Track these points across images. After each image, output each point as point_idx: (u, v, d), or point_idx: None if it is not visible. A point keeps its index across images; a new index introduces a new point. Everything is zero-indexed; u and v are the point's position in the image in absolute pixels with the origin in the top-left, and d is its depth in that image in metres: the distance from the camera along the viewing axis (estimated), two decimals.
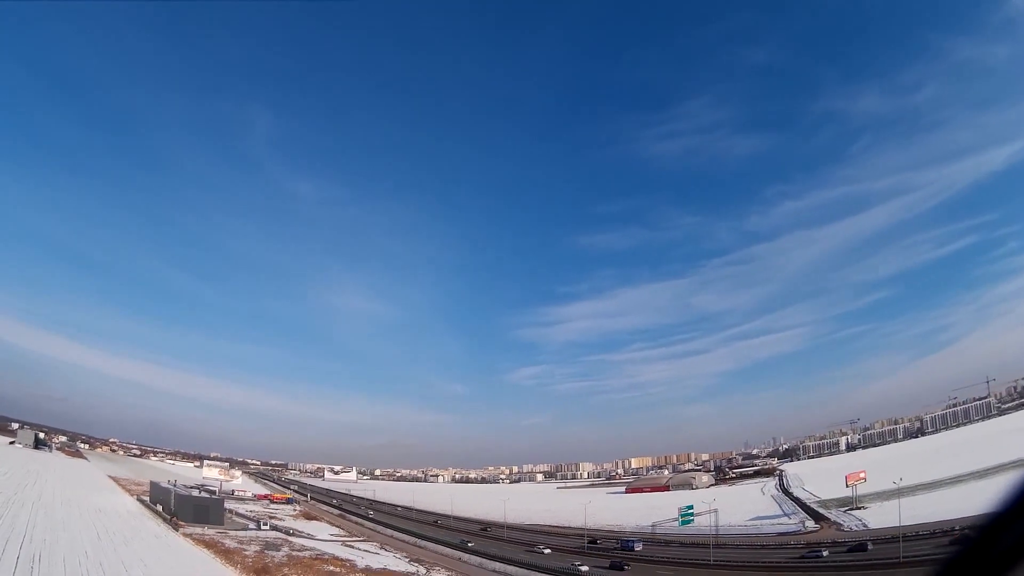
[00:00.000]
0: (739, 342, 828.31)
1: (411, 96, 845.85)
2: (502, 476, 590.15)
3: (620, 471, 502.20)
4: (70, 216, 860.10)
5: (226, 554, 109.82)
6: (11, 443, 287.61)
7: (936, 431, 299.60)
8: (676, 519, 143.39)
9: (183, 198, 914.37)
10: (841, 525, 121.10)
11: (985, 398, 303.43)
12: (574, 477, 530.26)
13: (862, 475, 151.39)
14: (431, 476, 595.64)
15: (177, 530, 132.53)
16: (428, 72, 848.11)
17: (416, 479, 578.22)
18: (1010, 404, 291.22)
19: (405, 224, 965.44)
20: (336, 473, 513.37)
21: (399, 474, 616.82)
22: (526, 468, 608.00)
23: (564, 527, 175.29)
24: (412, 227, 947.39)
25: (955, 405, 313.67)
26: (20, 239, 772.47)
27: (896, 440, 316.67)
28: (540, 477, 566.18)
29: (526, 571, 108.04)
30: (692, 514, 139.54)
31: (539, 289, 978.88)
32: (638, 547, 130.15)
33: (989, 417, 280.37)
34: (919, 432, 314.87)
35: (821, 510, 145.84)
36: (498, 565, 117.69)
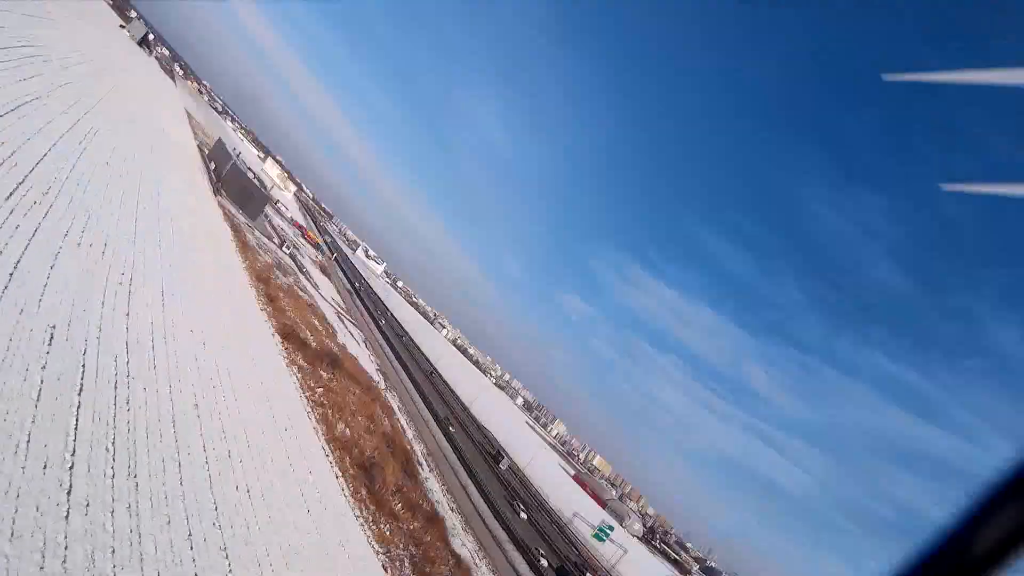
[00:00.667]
0: (754, 437, 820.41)
1: None
2: (492, 372, 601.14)
3: (582, 456, 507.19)
4: None
5: (243, 245, 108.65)
6: (121, 26, 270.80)
7: None
8: (592, 527, 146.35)
9: None
10: None
11: None
12: (545, 426, 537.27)
13: None
14: (439, 322, 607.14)
15: (216, 194, 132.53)
16: None
17: (425, 315, 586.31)
18: None
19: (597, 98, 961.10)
20: (368, 256, 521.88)
21: (415, 300, 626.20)
22: (515, 384, 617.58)
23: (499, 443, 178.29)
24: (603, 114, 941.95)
25: None
26: None
27: None
28: (520, 401, 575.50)
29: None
30: (607, 534, 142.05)
31: (637, 243, 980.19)
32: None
33: None
34: None
35: None
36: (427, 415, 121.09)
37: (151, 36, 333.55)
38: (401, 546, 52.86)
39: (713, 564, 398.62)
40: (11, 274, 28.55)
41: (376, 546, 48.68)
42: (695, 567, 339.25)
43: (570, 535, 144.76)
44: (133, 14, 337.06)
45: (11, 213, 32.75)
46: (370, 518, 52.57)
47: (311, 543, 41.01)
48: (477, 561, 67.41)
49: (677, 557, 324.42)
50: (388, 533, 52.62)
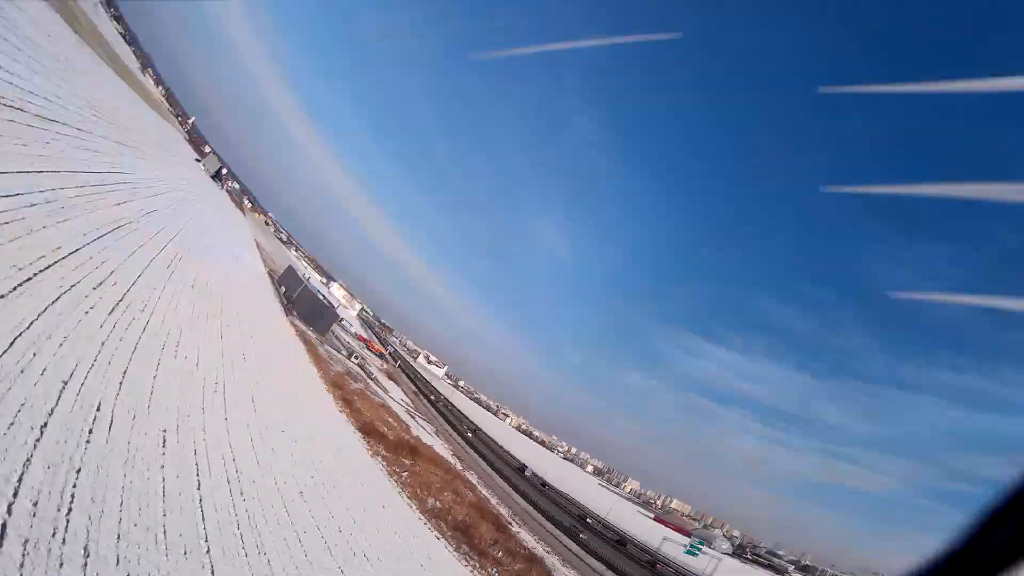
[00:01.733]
0: (829, 459, 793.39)
1: None
2: (559, 449, 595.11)
3: (659, 503, 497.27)
4: None
5: (316, 357, 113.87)
6: (196, 160, 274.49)
7: None
8: (683, 546, 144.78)
9: None
10: None
11: None
12: (618, 485, 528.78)
13: None
14: (502, 413, 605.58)
15: (288, 315, 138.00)
16: None
17: (488, 408, 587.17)
18: None
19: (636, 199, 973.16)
20: (428, 362, 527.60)
21: (476, 395, 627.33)
22: (582, 454, 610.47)
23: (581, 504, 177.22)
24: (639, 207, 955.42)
25: None
26: None
27: None
28: (590, 468, 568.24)
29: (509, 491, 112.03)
30: (699, 549, 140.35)
31: (695, 316, 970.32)
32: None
33: None
34: None
35: None
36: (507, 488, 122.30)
37: (223, 170, 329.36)
38: None
39: (808, 563, 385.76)
40: (120, 383, 31.91)
41: None
42: (790, 567, 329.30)
43: (662, 557, 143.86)
44: (207, 149, 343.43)
45: (114, 327, 36.31)
46: (477, 566, 54.82)
47: None
48: None
49: (770, 562, 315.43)
50: None
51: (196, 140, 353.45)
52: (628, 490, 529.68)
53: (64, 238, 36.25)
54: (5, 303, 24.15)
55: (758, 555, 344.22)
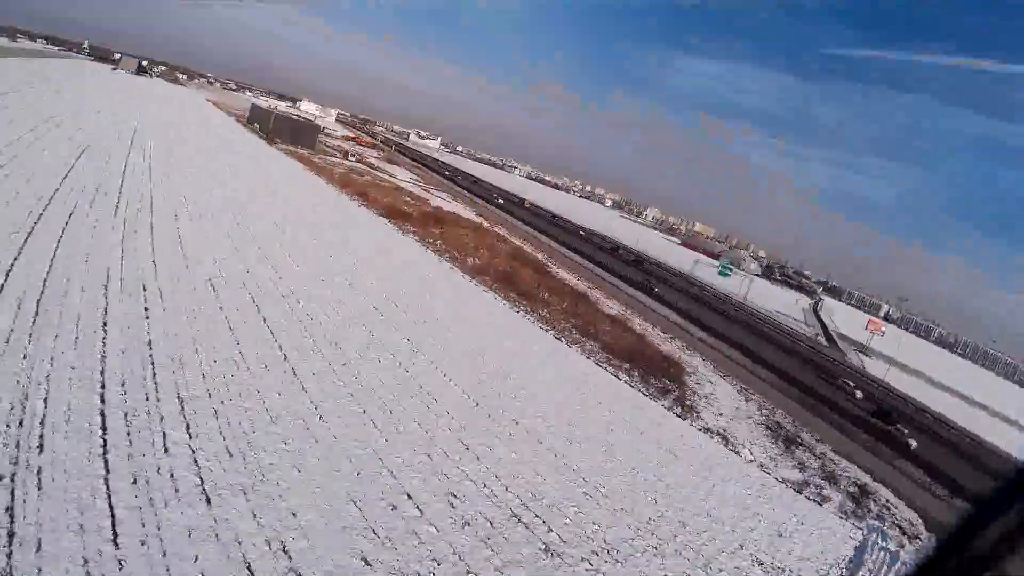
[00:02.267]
0: (837, 168, 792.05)
1: None
2: (574, 188, 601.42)
3: (683, 228, 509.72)
4: None
5: (316, 168, 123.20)
6: (113, 69, 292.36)
7: (964, 356, 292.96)
8: (715, 266, 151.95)
9: None
10: (844, 357, 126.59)
11: (1019, 363, 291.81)
12: (639, 215, 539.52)
13: (883, 328, 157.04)
14: (509, 165, 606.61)
15: (272, 144, 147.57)
16: None
17: (493, 164, 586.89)
18: None
19: None
20: (421, 138, 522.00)
21: (479, 155, 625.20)
22: (598, 190, 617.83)
23: (618, 242, 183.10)
24: None
25: (996, 350, 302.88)
26: None
27: (928, 339, 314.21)
28: (608, 203, 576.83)
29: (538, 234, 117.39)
30: (730, 270, 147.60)
31: (676, 26, 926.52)
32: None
33: (1012, 380, 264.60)
34: (951, 347, 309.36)
35: (835, 338, 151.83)
36: (536, 234, 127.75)
37: (144, 63, 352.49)
38: (563, 320, 59.79)
39: (835, 283, 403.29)
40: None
41: (542, 327, 55.31)
42: (819, 288, 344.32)
43: (697, 280, 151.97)
44: (117, 55, 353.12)
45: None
46: (528, 308, 59.54)
47: (492, 336, 47.99)
48: (628, 315, 74.15)
49: (800, 283, 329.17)
50: (547, 315, 59.46)
51: (103, 55, 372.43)
52: (651, 219, 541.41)
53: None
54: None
55: (787, 276, 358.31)
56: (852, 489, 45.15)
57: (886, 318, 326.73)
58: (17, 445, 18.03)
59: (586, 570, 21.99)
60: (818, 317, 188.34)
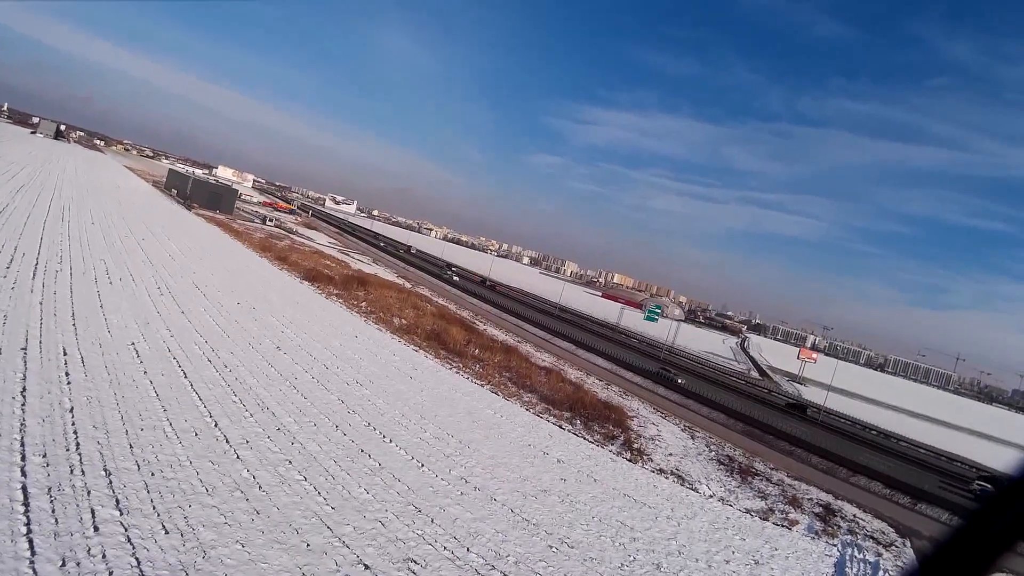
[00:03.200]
0: (754, 207, 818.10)
1: None
2: (491, 248, 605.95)
3: (601, 280, 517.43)
4: None
5: (235, 233, 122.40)
6: (32, 133, 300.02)
7: (895, 373, 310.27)
8: (642, 312, 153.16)
9: None
10: (780, 387, 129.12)
11: (949, 372, 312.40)
12: (557, 271, 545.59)
13: (814, 356, 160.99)
14: (424, 228, 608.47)
15: (190, 210, 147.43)
16: None
17: (410, 227, 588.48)
18: (968, 391, 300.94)
19: None
20: (337, 203, 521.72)
21: (395, 220, 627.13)
22: (515, 249, 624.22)
23: (540, 297, 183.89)
24: None
25: (920, 362, 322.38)
26: None
27: (857, 363, 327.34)
28: (526, 260, 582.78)
29: (463, 294, 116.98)
30: (658, 314, 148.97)
31: (581, 86, 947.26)
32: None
33: (945, 389, 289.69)
34: (880, 367, 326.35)
35: (767, 371, 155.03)
36: (458, 293, 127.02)
37: (62, 127, 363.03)
38: (496, 374, 58.98)
39: (758, 321, 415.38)
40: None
41: (478, 381, 54.28)
42: (743, 327, 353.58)
43: (623, 328, 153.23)
44: (36, 120, 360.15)
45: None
46: (461, 365, 58.52)
47: (429, 397, 46.63)
48: (561, 366, 73.78)
49: (723, 324, 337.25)
50: (480, 370, 58.45)
51: (20, 119, 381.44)
52: (569, 273, 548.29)
53: None
54: None
55: (710, 319, 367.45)
56: (817, 510, 45.45)
57: (813, 348, 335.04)
58: None
59: None
60: (747, 353, 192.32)
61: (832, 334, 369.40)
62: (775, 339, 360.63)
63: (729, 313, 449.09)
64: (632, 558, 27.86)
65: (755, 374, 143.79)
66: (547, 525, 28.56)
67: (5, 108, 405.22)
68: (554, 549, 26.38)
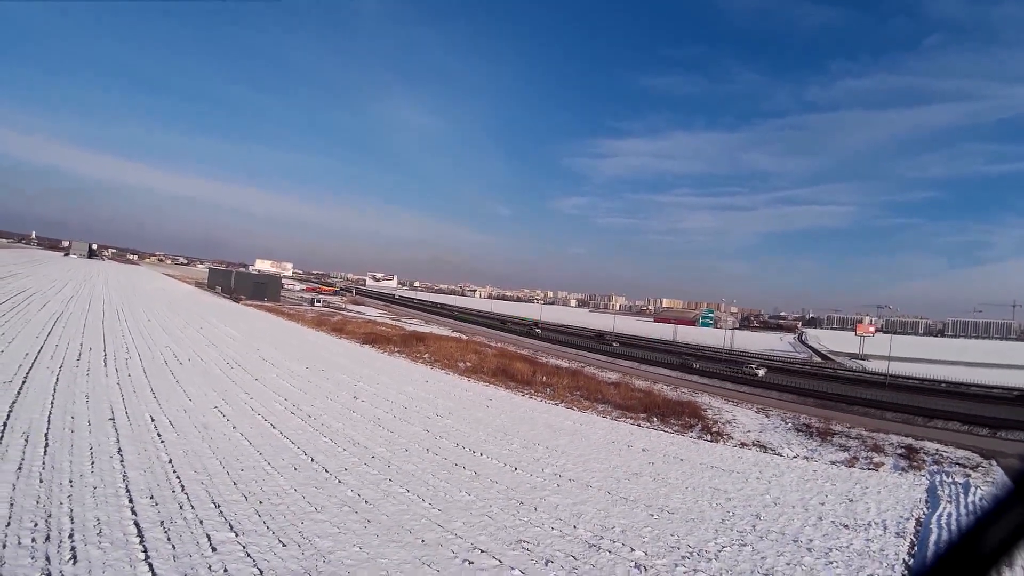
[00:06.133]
0: (784, 206, 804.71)
1: None
2: (537, 298, 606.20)
3: (651, 308, 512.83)
4: (121, 35, 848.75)
5: (288, 316, 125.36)
6: (65, 255, 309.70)
7: (955, 336, 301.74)
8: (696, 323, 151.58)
9: (242, 13, 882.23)
10: (843, 365, 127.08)
11: (1009, 321, 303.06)
12: (606, 307, 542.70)
13: (871, 329, 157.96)
14: (468, 291, 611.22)
15: (238, 302, 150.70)
16: None
17: (454, 292, 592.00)
18: None
19: (465, 44, 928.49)
20: (377, 280, 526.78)
21: (437, 287, 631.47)
22: (560, 295, 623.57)
23: (592, 329, 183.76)
24: (471, 47, 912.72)
25: (978, 318, 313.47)
26: (73, 64, 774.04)
27: (916, 334, 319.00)
28: (573, 303, 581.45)
29: (519, 337, 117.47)
30: (711, 318, 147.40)
31: (593, 121, 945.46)
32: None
33: (1008, 339, 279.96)
34: (939, 332, 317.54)
35: (828, 355, 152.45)
36: (514, 337, 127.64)
37: (94, 246, 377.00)
38: (567, 393, 59.63)
39: (812, 315, 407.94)
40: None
41: (551, 402, 54.91)
42: (798, 324, 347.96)
43: (680, 342, 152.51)
44: (66, 243, 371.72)
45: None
46: (532, 391, 59.21)
47: (508, 419, 47.40)
48: (628, 380, 73.98)
49: (779, 324, 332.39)
50: (551, 393, 59.13)
51: (50, 244, 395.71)
52: (618, 307, 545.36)
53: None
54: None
55: (764, 322, 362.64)
56: (900, 451, 44.86)
57: (874, 331, 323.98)
58: (47, 558, 17.08)
59: (683, 572, 21.21)
60: (805, 344, 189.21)
61: (886, 312, 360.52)
62: (832, 328, 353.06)
63: (782, 314, 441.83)
64: (732, 513, 27.97)
65: (817, 359, 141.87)
66: (645, 499, 28.84)
67: (34, 236, 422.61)
68: (655, 517, 26.63)
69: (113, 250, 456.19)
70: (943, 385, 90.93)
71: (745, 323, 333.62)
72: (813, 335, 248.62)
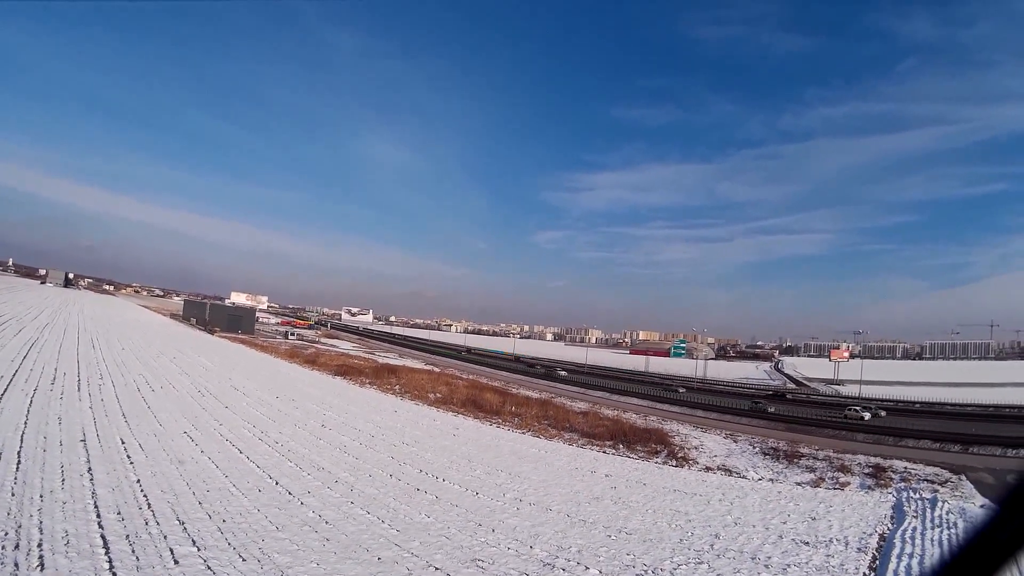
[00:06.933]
0: (761, 236, 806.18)
1: None
2: (514, 332, 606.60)
3: (627, 340, 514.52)
4: (101, 67, 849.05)
5: (261, 347, 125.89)
6: (41, 283, 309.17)
7: (933, 358, 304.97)
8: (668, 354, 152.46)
9: (217, 47, 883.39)
10: (816, 391, 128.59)
11: (987, 341, 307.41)
12: (582, 340, 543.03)
13: (845, 354, 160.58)
14: (444, 326, 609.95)
15: (212, 334, 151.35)
16: None
17: (429, 326, 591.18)
18: (1010, 353, 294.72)
19: (440, 78, 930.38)
20: (353, 315, 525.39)
21: (413, 322, 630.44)
22: (537, 328, 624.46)
23: (565, 361, 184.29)
24: (447, 82, 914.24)
25: (956, 340, 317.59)
26: (51, 93, 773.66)
27: (894, 358, 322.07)
28: (550, 336, 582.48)
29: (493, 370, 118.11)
30: (683, 348, 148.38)
31: (568, 155, 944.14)
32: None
33: (986, 358, 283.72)
34: (917, 356, 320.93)
35: (804, 382, 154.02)
36: (487, 370, 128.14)
37: (70, 275, 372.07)
38: (535, 422, 60.22)
39: (789, 343, 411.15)
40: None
41: (518, 431, 55.52)
42: (775, 352, 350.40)
43: (653, 373, 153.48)
44: (42, 271, 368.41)
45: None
46: (500, 421, 59.83)
47: (473, 447, 47.83)
48: (597, 409, 74.75)
49: (755, 353, 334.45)
50: (519, 422, 59.68)
51: (27, 272, 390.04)
52: (594, 340, 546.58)
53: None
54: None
55: (741, 352, 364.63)
56: (867, 471, 45.86)
57: (851, 356, 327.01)
58: (16, 564, 17.43)
59: None
60: (781, 372, 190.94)
61: (863, 337, 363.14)
62: (809, 356, 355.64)
63: (759, 343, 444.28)
64: (690, 534, 28.58)
65: (791, 386, 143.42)
66: (604, 522, 29.37)
67: (11, 263, 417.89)
68: (613, 538, 27.16)
69: (89, 280, 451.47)
70: (916, 406, 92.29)
71: (722, 353, 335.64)
72: (790, 363, 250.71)
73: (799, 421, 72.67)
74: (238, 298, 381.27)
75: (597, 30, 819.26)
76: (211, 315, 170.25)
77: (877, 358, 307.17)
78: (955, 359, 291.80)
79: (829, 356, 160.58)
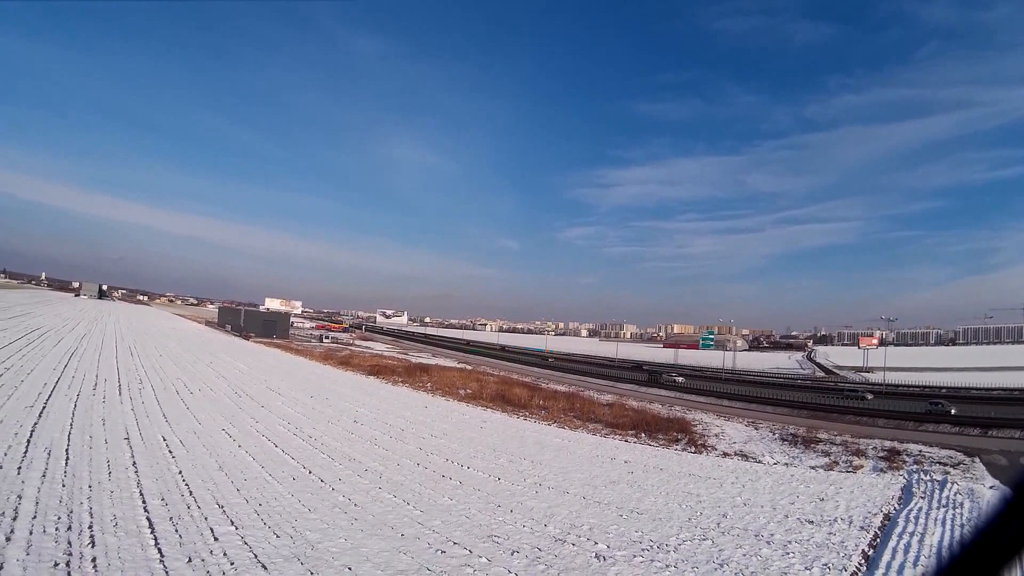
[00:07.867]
0: (789, 226, 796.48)
1: None
2: (548, 329, 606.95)
3: (662, 334, 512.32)
4: (126, 79, 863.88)
5: (296, 351, 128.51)
6: (75, 295, 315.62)
7: (967, 343, 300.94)
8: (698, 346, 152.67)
9: (241, 56, 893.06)
10: (846, 378, 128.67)
11: (1020, 325, 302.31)
12: (617, 336, 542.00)
13: (874, 341, 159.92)
14: (479, 325, 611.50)
15: (247, 339, 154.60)
16: None
17: (464, 327, 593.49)
18: None
19: (464, 80, 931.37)
20: (388, 317, 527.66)
21: (448, 322, 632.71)
22: (571, 325, 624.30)
23: (601, 357, 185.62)
24: (469, 83, 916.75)
25: (989, 325, 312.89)
26: (77, 106, 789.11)
27: (928, 344, 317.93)
28: (584, 333, 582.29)
29: (530, 367, 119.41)
30: (711, 338, 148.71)
31: (594, 151, 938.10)
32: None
33: (1019, 342, 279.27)
34: (951, 341, 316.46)
35: (834, 370, 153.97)
36: (518, 367, 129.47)
37: (104, 287, 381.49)
38: (562, 415, 61.89)
39: (823, 333, 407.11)
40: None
41: (544, 422, 57.21)
42: (809, 342, 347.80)
43: (684, 364, 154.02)
44: (76, 284, 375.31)
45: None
46: (527, 414, 61.56)
47: (499, 438, 49.74)
48: (623, 401, 76.20)
49: (789, 343, 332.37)
50: (545, 414, 61.44)
51: (61, 285, 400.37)
52: (628, 335, 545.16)
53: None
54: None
55: (775, 342, 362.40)
56: (881, 454, 46.89)
57: (881, 343, 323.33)
58: (69, 542, 19.62)
59: (640, 562, 23.28)
60: (813, 361, 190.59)
61: (897, 324, 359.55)
62: (843, 344, 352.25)
63: (794, 333, 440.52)
64: (699, 513, 30.08)
65: (821, 374, 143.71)
66: (617, 503, 31.02)
67: (44, 277, 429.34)
68: (624, 517, 28.81)
69: (123, 291, 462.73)
70: (943, 391, 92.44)
71: (755, 343, 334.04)
72: (822, 352, 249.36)
73: (822, 408, 73.50)
74: (272, 304, 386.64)
75: (618, 26, 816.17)
76: (246, 321, 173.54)
77: (911, 344, 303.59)
78: (988, 343, 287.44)
79: (858, 345, 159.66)
